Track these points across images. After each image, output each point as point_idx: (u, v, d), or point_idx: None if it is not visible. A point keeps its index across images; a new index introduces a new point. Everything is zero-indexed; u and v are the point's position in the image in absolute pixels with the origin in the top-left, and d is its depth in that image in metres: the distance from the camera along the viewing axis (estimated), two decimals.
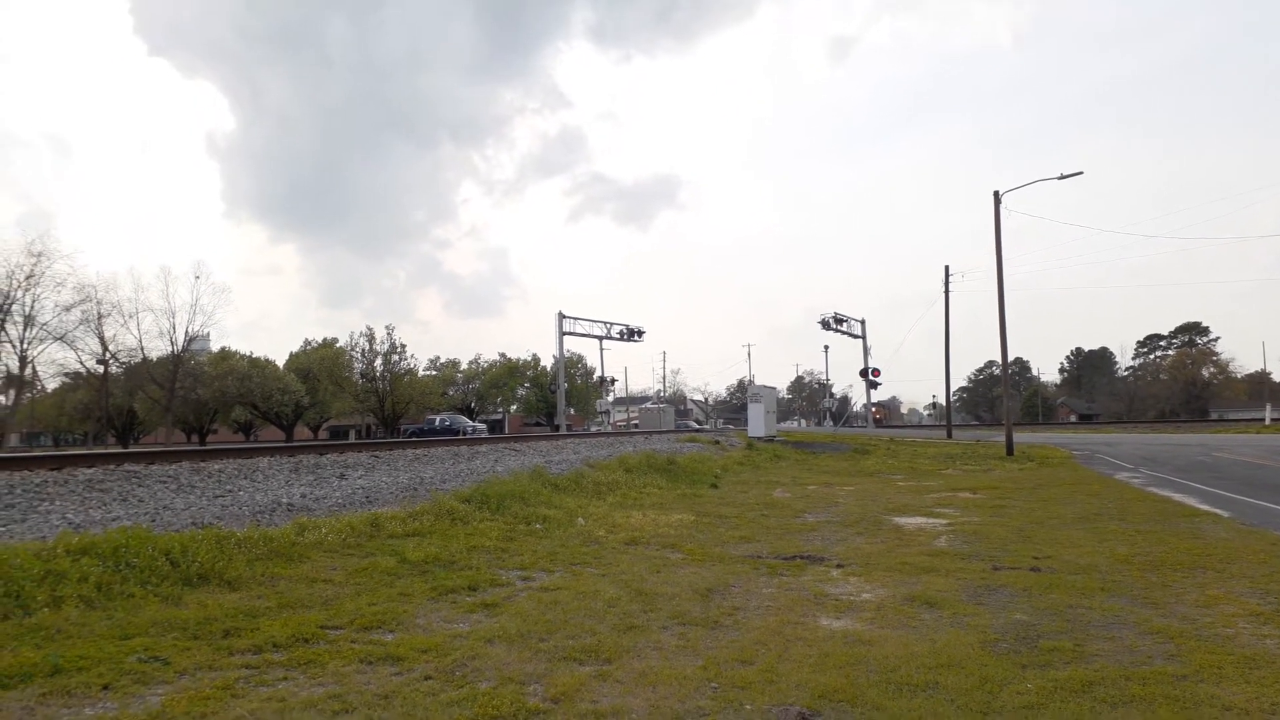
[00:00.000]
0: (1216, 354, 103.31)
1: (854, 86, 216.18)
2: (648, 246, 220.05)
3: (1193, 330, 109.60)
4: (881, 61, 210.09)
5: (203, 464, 13.30)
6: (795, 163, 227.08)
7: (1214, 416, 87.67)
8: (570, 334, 61.37)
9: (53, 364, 56.37)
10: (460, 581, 6.90)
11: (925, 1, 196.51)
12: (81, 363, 56.36)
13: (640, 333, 66.16)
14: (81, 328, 52.51)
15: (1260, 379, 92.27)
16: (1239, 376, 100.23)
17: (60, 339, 51.62)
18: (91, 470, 11.78)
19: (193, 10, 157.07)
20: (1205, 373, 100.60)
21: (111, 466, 12.38)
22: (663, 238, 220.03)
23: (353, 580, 6.88)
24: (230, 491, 11.00)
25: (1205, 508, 12.01)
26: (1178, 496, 13.61)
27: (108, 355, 55.90)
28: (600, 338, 64.68)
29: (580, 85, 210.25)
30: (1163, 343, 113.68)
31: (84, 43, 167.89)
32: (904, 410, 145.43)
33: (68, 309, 50.77)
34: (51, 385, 67.35)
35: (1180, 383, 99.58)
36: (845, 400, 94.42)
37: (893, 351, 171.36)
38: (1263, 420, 58.75)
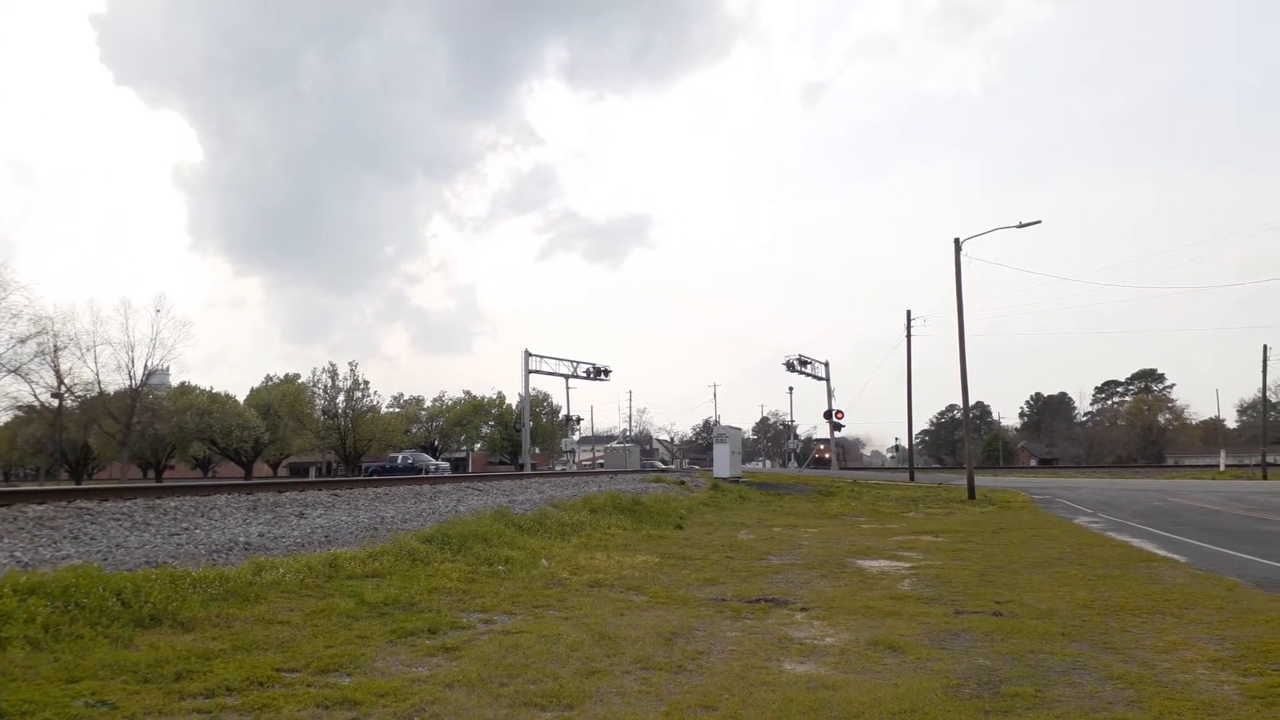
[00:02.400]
0: (1172, 401, 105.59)
1: (826, 130, 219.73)
2: (617, 285, 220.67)
3: (1149, 377, 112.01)
4: (854, 106, 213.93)
5: (158, 501, 13.02)
6: (765, 204, 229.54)
7: (1170, 462, 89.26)
8: (536, 372, 61.34)
9: (5, 396, 55.19)
10: (420, 624, 6.78)
11: (899, 49, 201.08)
12: (36, 396, 55.30)
13: (607, 372, 66.30)
14: (37, 360, 51.61)
15: (1214, 426, 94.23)
16: (1194, 423, 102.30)
17: (14, 371, 50.69)
18: (42, 507, 11.49)
19: (161, 40, 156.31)
20: (1161, 419, 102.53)
21: (63, 503, 12.08)
22: (633, 276, 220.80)
23: (310, 622, 6.74)
24: (186, 530, 10.77)
25: (1163, 553, 12.17)
26: (1136, 541, 13.79)
27: (63, 388, 54.87)
28: (567, 376, 64.75)
29: (553, 123, 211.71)
30: (1120, 389, 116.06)
31: (49, 70, 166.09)
32: (867, 452, 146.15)
33: (23, 341, 49.96)
34: (3, 418, 65.82)
35: (1137, 428, 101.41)
36: (809, 442, 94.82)
37: (857, 393, 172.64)
38: (1217, 466, 59.90)
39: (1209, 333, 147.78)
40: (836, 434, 68.87)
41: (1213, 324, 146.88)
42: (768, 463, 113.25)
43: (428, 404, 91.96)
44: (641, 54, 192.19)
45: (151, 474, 71.23)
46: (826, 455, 79.54)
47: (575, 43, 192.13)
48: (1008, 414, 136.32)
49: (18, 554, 8.26)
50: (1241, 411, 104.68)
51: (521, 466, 64.53)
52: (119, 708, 4.47)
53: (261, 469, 79.36)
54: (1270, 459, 50.24)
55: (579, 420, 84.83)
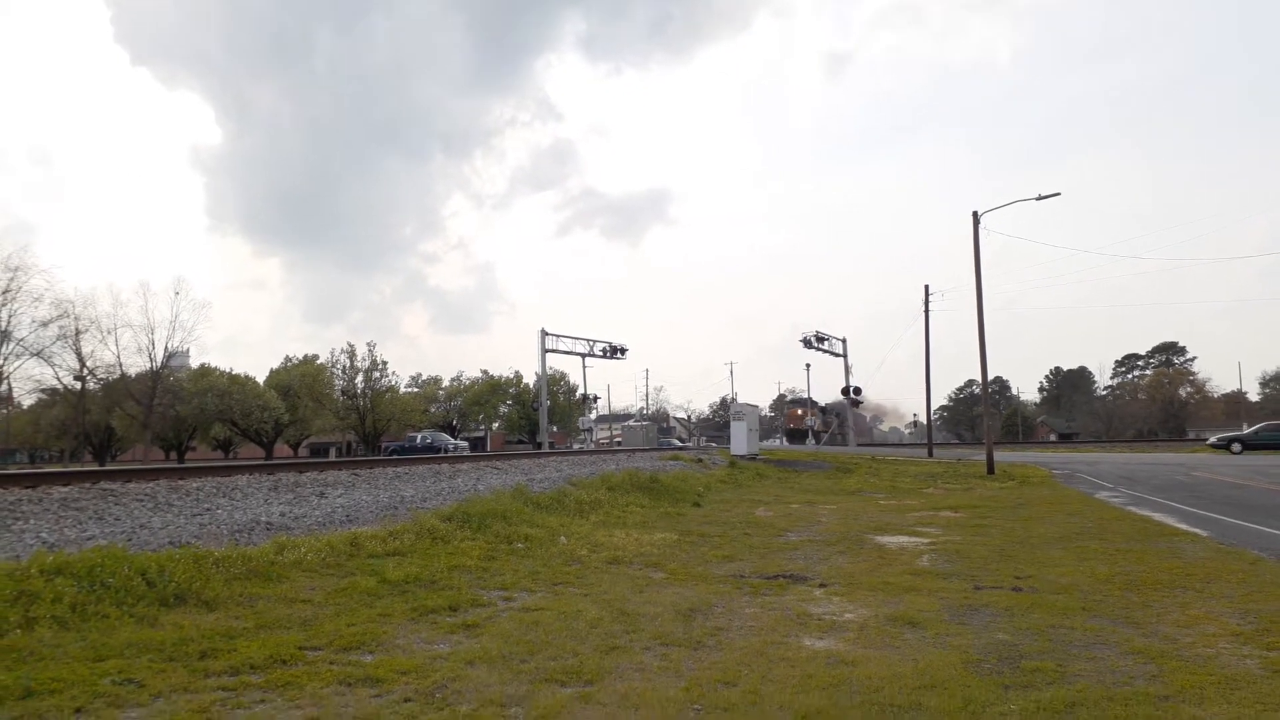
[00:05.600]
0: (1193, 374, 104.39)
1: (847, 101, 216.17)
2: (635, 262, 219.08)
3: (1170, 350, 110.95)
4: (876, 77, 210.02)
5: (181, 482, 13.17)
6: (784, 178, 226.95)
7: (1191, 436, 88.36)
8: (553, 351, 61.36)
9: (29, 380, 55.66)
10: (441, 602, 6.84)
11: (924, 18, 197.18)
12: (58, 379, 55.83)
13: (623, 350, 66.26)
14: (59, 343, 52.11)
15: (1236, 399, 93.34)
16: (1215, 396, 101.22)
17: (37, 355, 51.17)
18: (67, 488, 11.64)
19: (176, 20, 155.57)
20: (1182, 392, 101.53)
21: (87, 484, 12.24)
22: (651, 253, 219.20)
23: (332, 600, 6.81)
24: (208, 510, 10.88)
25: (1184, 527, 12.10)
26: (1157, 516, 13.70)
27: (85, 371, 55.40)
28: (583, 355, 64.77)
29: (572, 98, 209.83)
30: (1140, 362, 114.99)
31: (64, 50, 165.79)
32: (884, 427, 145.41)
33: (45, 324, 50.36)
34: (27, 402, 66.61)
35: (1158, 402, 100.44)
36: (827, 410, 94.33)
37: (875, 368, 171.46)
38: None
39: (1231, 305, 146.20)
40: (853, 409, 68.63)
41: (1234, 296, 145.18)
42: (785, 440, 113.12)
43: (446, 384, 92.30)
44: (660, 26, 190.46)
45: (173, 455, 71.93)
46: (803, 425, 78.28)
47: (592, 15, 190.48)
48: (1027, 389, 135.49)
49: (44, 535, 8.38)
50: (1264, 384, 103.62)
51: (539, 445, 64.77)
52: (145, 686, 4.53)
53: (282, 450, 79.82)
54: None
55: (596, 399, 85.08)
